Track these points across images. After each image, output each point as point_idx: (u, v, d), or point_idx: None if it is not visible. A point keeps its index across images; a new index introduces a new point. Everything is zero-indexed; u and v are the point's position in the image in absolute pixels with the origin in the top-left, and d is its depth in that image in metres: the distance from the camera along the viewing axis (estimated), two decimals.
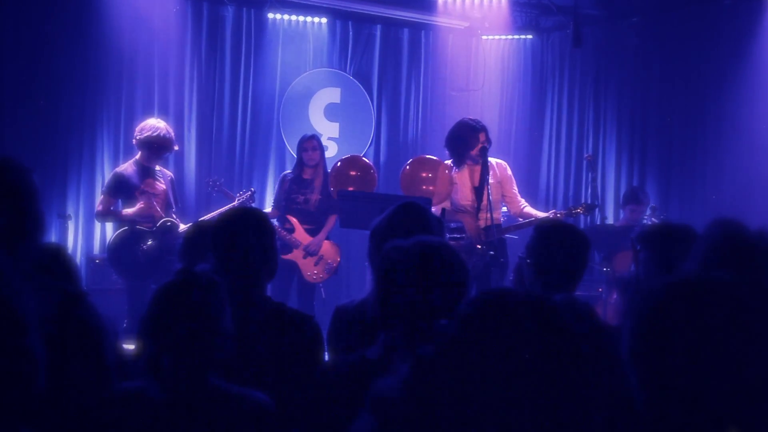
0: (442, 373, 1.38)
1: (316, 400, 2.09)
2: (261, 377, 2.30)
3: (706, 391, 1.25)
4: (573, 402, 1.33)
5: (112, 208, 5.85)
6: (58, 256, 2.53)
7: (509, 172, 5.99)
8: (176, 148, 6.21)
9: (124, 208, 5.85)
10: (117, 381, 2.02)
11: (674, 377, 1.27)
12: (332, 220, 6.41)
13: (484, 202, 5.51)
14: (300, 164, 6.45)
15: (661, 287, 1.33)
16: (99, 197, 6.08)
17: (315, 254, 6.33)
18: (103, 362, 1.93)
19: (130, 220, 5.77)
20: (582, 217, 7.53)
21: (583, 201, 8.01)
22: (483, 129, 5.80)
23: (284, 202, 6.40)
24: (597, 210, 6.47)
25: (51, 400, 1.34)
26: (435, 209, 5.68)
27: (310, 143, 6.40)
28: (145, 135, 5.80)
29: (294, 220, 6.34)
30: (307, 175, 6.43)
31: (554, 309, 1.39)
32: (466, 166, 5.87)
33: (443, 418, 1.35)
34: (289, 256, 6.23)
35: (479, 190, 5.55)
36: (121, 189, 5.80)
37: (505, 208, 6.12)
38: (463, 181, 5.87)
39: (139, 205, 5.75)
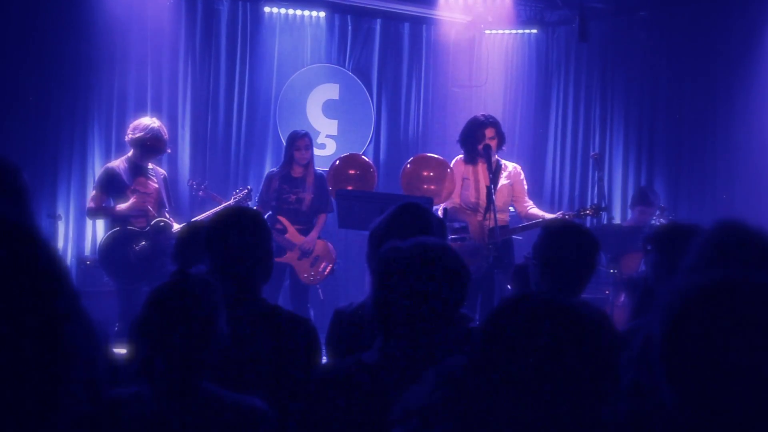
0: (473, 381, 1.38)
1: (313, 405, 2.09)
2: (256, 381, 2.30)
3: (742, 396, 1.25)
4: (601, 407, 1.34)
5: (103, 205, 5.84)
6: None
7: (522, 177, 6.03)
8: (169, 150, 6.20)
9: (116, 205, 5.85)
10: (109, 386, 2.01)
11: (709, 382, 1.27)
12: (322, 219, 6.40)
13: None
14: (290, 162, 6.38)
15: (693, 288, 1.33)
16: (90, 194, 6.05)
17: (310, 254, 6.30)
18: (94, 367, 1.93)
19: (123, 218, 5.75)
20: (589, 217, 7.54)
21: (590, 202, 8.02)
22: (491, 124, 5.81)
23: (275, 202, 6.33)
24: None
25: (43, 405, 1.35)
26: (437, 209, 5.69)
27: (303, 141, 6.34)
28: (138, 135, 5.77)
29: (285, 221, 6.30)
30: (296, 173, 6.36)
31: (584, 314, 1.40)
32: (479, 162, 5.87)
33: (475, 427, 1.36)
34: (283, 259, 6.18)
35: (489, 188, 5.57)
36: (112, 185, 5.77)
37: (512, 208, 6.14)
38: (474, 177, 5.87)
39: (132, 200, 5.73)
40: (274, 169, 6.65)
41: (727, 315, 1.28)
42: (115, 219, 5.82)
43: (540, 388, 1.33)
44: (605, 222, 7.37)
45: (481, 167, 5.84)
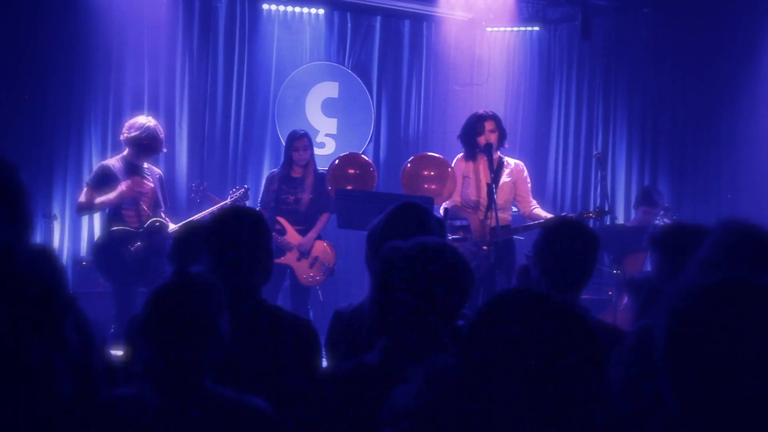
0: (460, 379, 1.39)
1: (315, 406, 2.10)
2: (255, 382, 2.31)
3: (745, 398, 1.25)
4: (590, 406, 1.34)
5: (94, 201, 5.81)
6: (44, 258, 2.53)
7: (525, 174, 6.03)
8: (165, 150, 6.18)
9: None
10: (106, 388, 2.02)
11: (714, 383, 1.27)
12: (323, 219, 6.40)
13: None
14: (289, 162, 6.40)
15: (698, 289, 1.33)
16: (83, 190, 6.02)
17: (307, 254, 6.30)
18: (92, 369, 1.94)
19: (114, 212, 5.71)
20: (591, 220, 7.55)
21: (593, 202, 8.03)
22: (491, 117, 5.83)
23: (273, 203, 6.35)
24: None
25: (40, 408, 1.36)
26: (438, 208, 5.70)
27: (302, 142, 6.35)
28: (134, 134, 5.76)
29: (284, 222, 6.30)
30: (296, 173, 6.39)
31: (572, 310, 1.40)
32: (479, 159, 5.88)
33: (461, 427, 1.36)
34: (282, 260, 6.19)
35: (490, 186, 5.59)
36: (105, 183, 5.74)
37: (514, 208, 6.15)
38: (475, 176, 5.88)
39: (119, 188, 5.69)
40: (275, 169, 6.67)
41: (732, 316, 1.28)
42: (110, 216, 5.80)
43: (529, 386, 1.33)
44: (608, 223, 7.37)
45: (482, 165, 5.85)
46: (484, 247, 5.59)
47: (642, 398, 1.42)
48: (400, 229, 2.55)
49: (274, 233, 6.16)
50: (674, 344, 1.31)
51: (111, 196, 5.69)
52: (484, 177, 5.81)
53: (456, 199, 5.91)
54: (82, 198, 5.84)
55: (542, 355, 1.34)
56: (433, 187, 5.81)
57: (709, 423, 1.28)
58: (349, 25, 8.42)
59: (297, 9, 8.19)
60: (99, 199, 5.73)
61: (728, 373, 1.26)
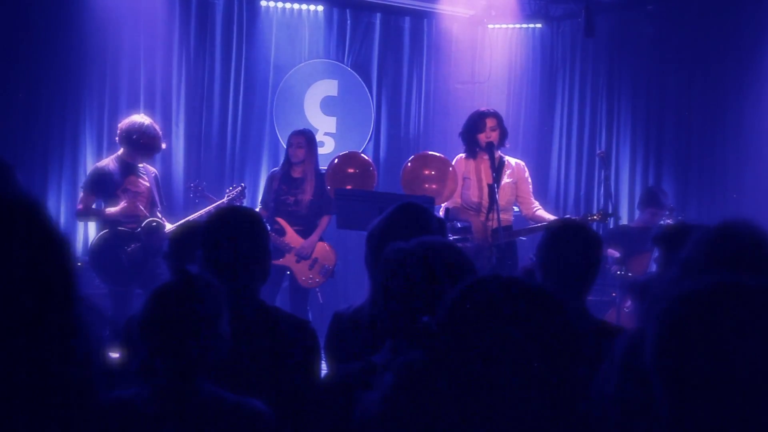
0: (424, 383, 1.38)
1: (323, 408, 2.10)
2: (254, 383, 2.32)
3: (735, 402, 1.26)
4: (566, 403, 1.34)
5: (93, 207, 5.84)
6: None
7: (527, 174, 6.05)
8: (164, 146, 6.19)
9: (105, 207, 5.84)
10: (103, 390, 2.03)
11: (707, 389, 1.27)
12: (325, 221, 6.39)
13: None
14: (288, 161, 6.42)
15: (688, 294, 1.33)
16: (79, 195, 6.05)
17: (308, 258, 6.30)
18: (90, 370, 1.94)
19: (113, 221, 5.75)
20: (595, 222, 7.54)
21: (596, 201, 8.04)
22: (492, 114, 5.84)
23: (273, 203, 6.36)
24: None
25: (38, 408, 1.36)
26: (439, 209, 5.70)
27: (296, 139, 6.36)
28: (131, 134, 5.77)
29: (284, 223, 6.30)
30: (296, 173, 6.39)
31: (548, 297, 1.39)
32: (480, 158, 5.88)
33: (436, 422, 1.36)
34: (281, 261, 6.18)
35: (491, 187, 5.59)
36: (102, 185, 5.77)
37: (516, 209, 6.16)
38: (476, 176, 5.89)
39: (122, 204, 5.72)
40: (276, 168, 6.68)
41: (724, 320, 1.28)
42: (105, 222, 5.82)
43: (499, 381, 1.32)
44: (612, 223, 7.37)
45: (483, 165, 5.86)
46: (486, 248, 5.60)
47: (632, 401, 1.41)
48: (400, 229, 2.55)
49: (272, 234, 6.16)
50: (669, 349, 1.31)
51: (113, 210, 5.73)
52: (486, 178, 5.81)
53: (456, 200, 5.91)
54: (80, 204, 5.89)
55: (515, 349, 1.32)
56: (433, 186, 5.81)
57: (704, 428, 1.28)
58: (348, 22, 8.43)
59: (296, 6, 8.19)
60: (103, 212, 5.77)
61: (723, 378, 1.26)
